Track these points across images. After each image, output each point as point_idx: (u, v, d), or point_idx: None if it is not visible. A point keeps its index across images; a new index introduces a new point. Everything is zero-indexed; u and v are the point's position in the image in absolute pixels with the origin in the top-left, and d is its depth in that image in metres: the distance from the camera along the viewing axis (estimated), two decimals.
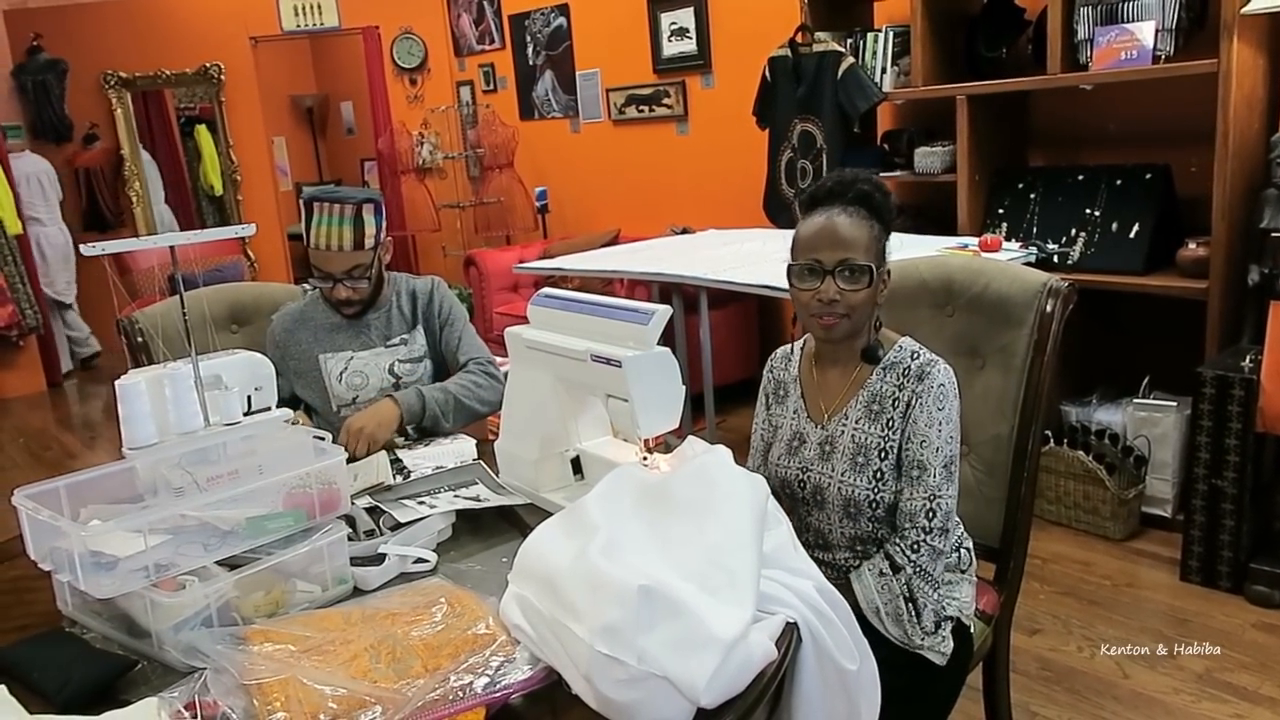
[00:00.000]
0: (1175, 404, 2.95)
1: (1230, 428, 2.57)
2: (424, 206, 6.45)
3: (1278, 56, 2.85)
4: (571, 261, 3.82)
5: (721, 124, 4.79)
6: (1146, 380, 3.08)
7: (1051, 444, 3.08)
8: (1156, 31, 2.87)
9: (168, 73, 6.92)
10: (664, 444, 1.51)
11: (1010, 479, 1.80)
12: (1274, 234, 2.57)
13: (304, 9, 6.59)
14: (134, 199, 7.03)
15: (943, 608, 1.53)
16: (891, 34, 3.56)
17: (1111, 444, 3.03)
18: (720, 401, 3.92)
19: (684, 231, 4.61)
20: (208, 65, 6.85)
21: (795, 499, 1.63)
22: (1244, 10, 2.55)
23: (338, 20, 6.61)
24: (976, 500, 1.82)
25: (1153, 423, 2.99)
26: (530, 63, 5.92)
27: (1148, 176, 3.09)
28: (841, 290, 1.49)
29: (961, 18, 3.51)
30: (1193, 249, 2.89)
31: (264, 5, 6.55)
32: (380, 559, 1.42)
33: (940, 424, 1.51)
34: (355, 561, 1.42)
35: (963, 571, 1.64)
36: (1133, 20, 2.92)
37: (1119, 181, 3.14)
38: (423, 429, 2.12)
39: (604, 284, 4.85)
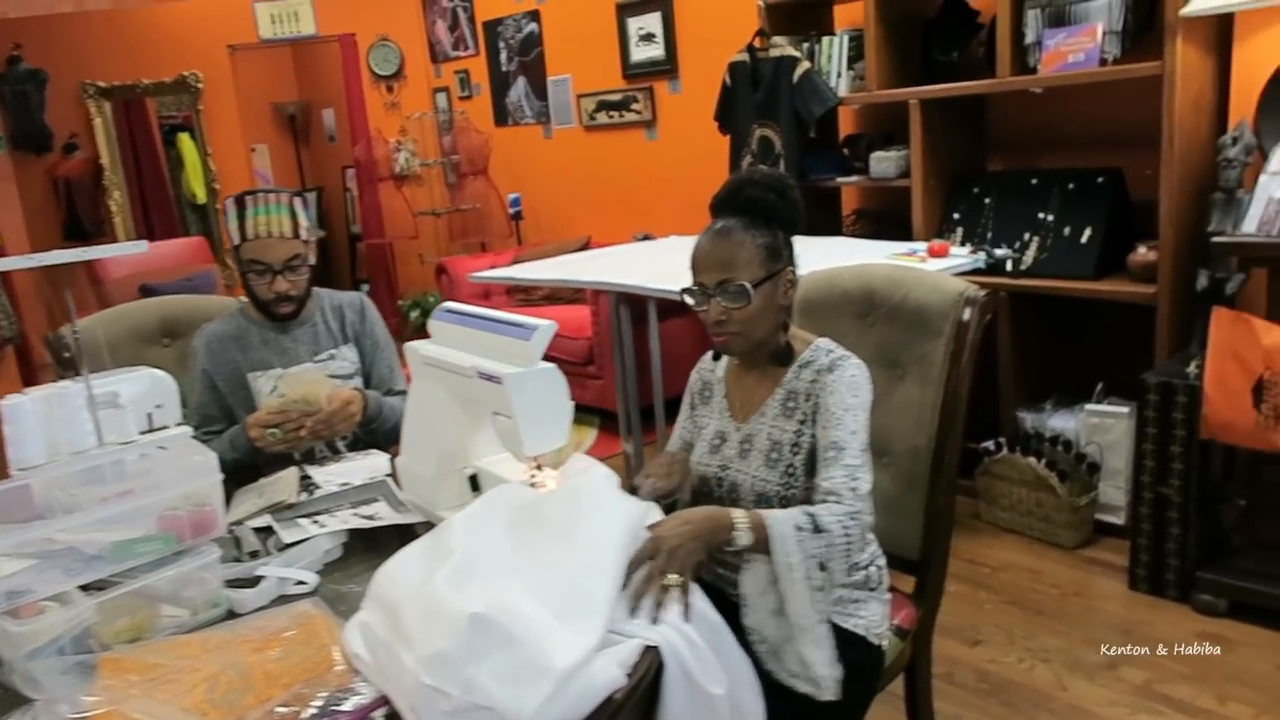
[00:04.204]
0: (1127, 410, 2.90)
1: (1175, 435, 2.54)
2: (402, 214, 6.44)
3: (1226, 58, 2.81)
4: (520, 271, 3.78)
5: (689, 129, 4.76)
6: (1100, 386, 3.05)
7: (1005, 451, 3.05)
8: (1104, 34, 2.84)
9: (146, 82, 6.92)
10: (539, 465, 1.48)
11: (929, 490, 1.78)
12: (1217, 238, 2.53)
13: (281, 17, 6.58)
14: (113, 209, 7.04)
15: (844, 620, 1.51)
16: (847, 38, 3.53)
17: (1065, 451, 2.99)
18: (671, 413, 3.88)
19: (645, 238, 4.58)
20: (186, 74, 6.85)
21: (711, 498, 1.61)
22: (1183, 12, 2.52)
23: (315, 28, 6.60)
24: (897, 514, 1.80)
25: (1105, 429, 2.96)
26: (504, 69, 5.90)
27: (1100, 180, 3.05)
28: (726, 309, 1.48)
29: (917, 21, 3.48)
30: (1142, 253, 2.85)
31: (241, 14, 6.54)
32: (257, 581, 1.40)
33: (855, 410, 1.47)
34: (235, 584, 1.39)
35: (872, 589, 1.60)
36: (1080, 22, 2.89)
37: (1071, 185, 3.11)
38: (357, 437, 2.13)
39: (575, 292, 4.82)
